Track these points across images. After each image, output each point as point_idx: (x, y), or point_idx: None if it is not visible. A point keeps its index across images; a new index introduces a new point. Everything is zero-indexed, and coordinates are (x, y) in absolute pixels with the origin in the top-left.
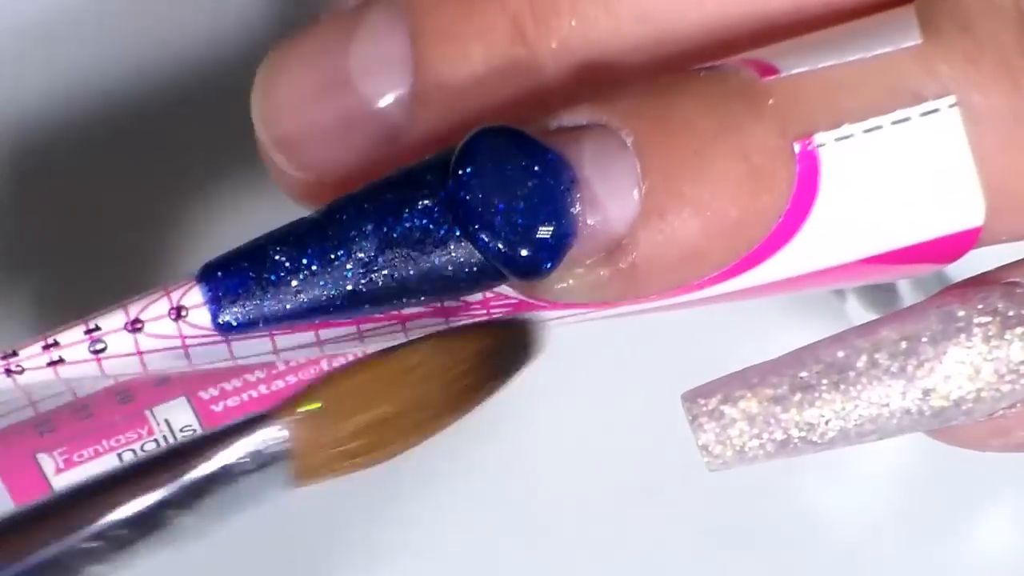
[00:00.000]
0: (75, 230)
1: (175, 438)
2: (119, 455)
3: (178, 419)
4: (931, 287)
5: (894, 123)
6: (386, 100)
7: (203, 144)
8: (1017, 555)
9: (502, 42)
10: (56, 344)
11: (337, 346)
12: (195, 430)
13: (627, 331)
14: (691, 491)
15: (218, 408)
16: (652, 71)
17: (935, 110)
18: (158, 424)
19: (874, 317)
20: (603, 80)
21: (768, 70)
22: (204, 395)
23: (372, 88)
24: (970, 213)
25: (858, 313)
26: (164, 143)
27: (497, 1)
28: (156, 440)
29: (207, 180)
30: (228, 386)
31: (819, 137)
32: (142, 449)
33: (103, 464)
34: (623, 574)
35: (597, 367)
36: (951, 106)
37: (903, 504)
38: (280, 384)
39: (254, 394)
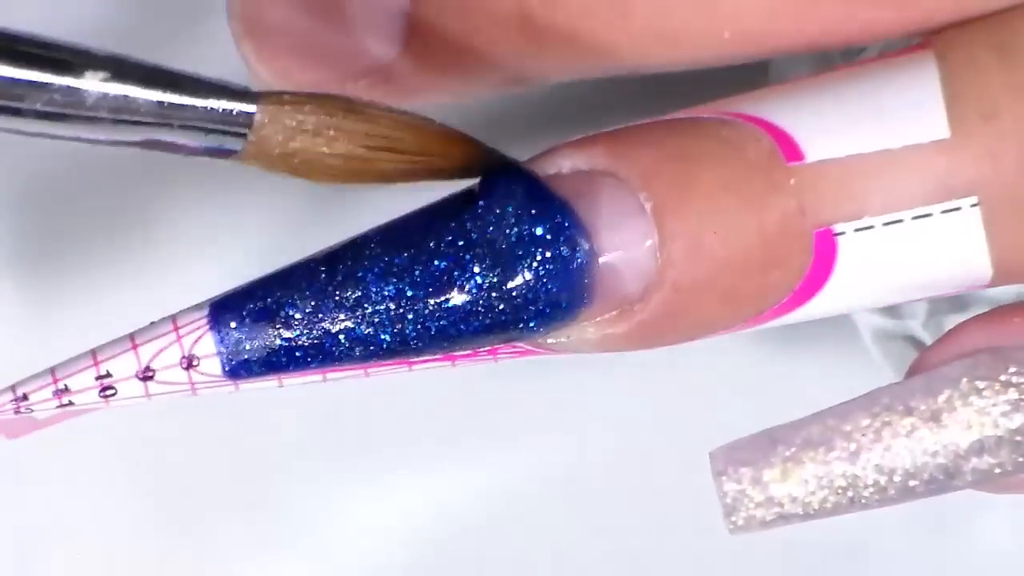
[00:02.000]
0: (71, 229)
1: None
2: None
3: None
4: None
5: (914, 218)
6: (378, 45)
7: None
8: (1018, 556)
9: (507, 19)
10: (66, 389)
11: (342, 380)
12: None
13: None
14: (689, 489)
15: None
16: (655, 73)
17: (957, 208)
18: None
19: (876, 318)
20: (606, 75)
21: (791, 149)
22: None
23: (365, 31)
24: (977, 280)
25: (860, 314)
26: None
27: None
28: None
29: (202, 174)
30: None
31: (839, 226)
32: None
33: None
34: (621, 574)
35: (595, 367)
36: (972, 205)
37: (903, 504)
38: None
39: None
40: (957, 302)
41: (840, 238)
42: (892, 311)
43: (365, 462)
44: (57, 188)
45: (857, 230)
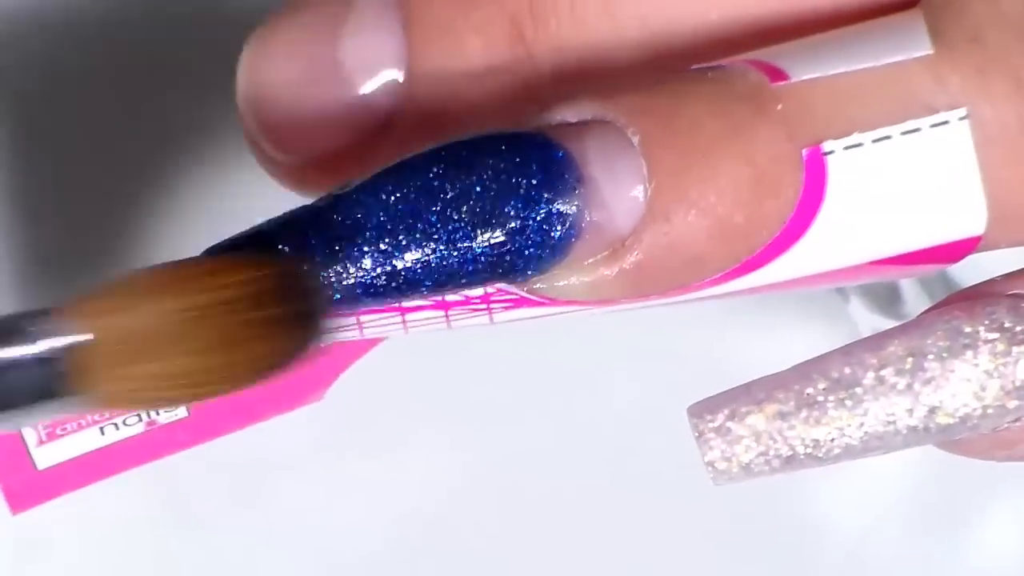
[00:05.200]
0: (64, 214)
1: (157, 414)
2: (101, 429)
3: None
4: (934, 286)
5: (903, 133)
6: (377, 92)
7: (193, 123)
8: (1019, 556)
9: (500, 41)
10: None
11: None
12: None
13: (627, 328)
14: (690, 492)
15: None
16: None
17: (945, 122)
18: None
19: (877, 318)
20: (602, 84)
21: (777, 74)
22: None
23: (363, 79)
24: (972, 222)
25: (861, 314)
26: (153, 123)
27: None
28: (138, 415)
29: (196, 162)
30: None
31: (828, 145)
32: (124, 423)
33: (84, 438)
34: (619, 574)
35: (597, 366)
36: (961, 119)
37: (904, 504)
38: None
39: None
40: None
41: (829, 158)
42: (893, 311)
43: (357, 449)
44: (58, 183)
45: (847, 148)
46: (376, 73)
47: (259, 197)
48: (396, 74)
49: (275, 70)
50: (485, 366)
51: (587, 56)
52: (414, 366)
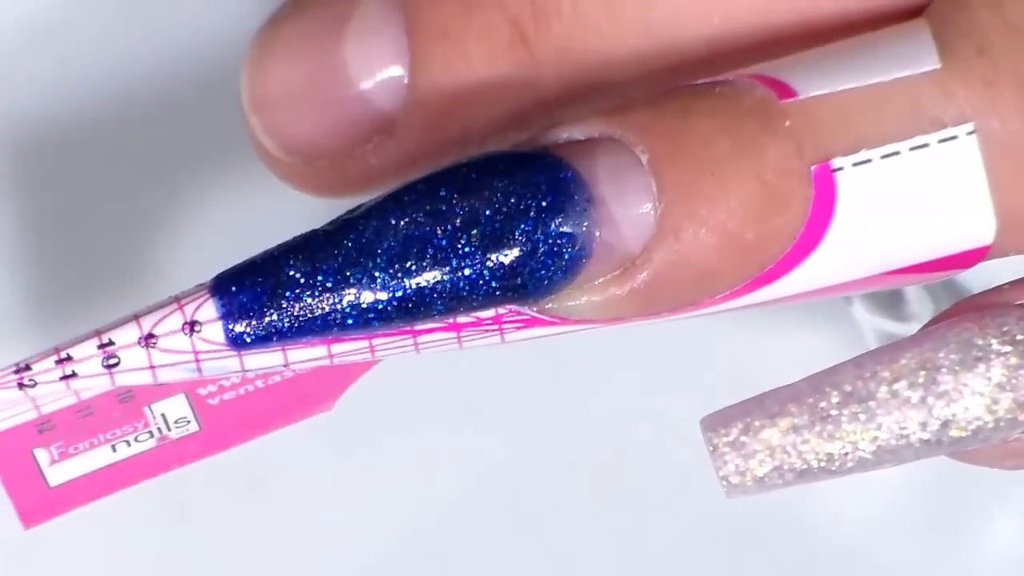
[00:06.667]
0: (75, 228)
1: (168, 429)
2: (112, 446)
3: (173, 412)
4: (936, 287)
5: (912, 149)
6: (382, 93)
7: (201, 138)
8: (1021, 560)
9: (501, 43)
10: (69, 358)
11: (347, 358)
12: (189, 422)
13: (631, 331)
14: (693, 491)
15: (214, 402)
16: (654, 80)
17: (953, 137)
18: (154, 417)
19: (880, 320)
20: (604, 87)
21: (784, 90)
22: (202, 391)
23: (367, 80)
24: (981, 233)
25: (864, 316)
26: (162, 139)
27: (497, 1)
28: (150, 431)
29: (205, 176)
30: (226, 382)
31: (836, 161)
32: (135, 440)
33: (96, 455)
34: (624, 574)
35: (601, 366)
36: (969, 133)
37: (907, 500)
38: (277, 379)
39: (251, 388)
40: None
41: (839, 174)
42: (896, 312)
43: (362, 457)
44: (59, 188)
45: (855, 164)
46: (381, 74)
47: (267, 204)
48: (401, 75)
49: (279, 70)
50: (492, 376)
51: (590, 59)
52: (422, 376)
